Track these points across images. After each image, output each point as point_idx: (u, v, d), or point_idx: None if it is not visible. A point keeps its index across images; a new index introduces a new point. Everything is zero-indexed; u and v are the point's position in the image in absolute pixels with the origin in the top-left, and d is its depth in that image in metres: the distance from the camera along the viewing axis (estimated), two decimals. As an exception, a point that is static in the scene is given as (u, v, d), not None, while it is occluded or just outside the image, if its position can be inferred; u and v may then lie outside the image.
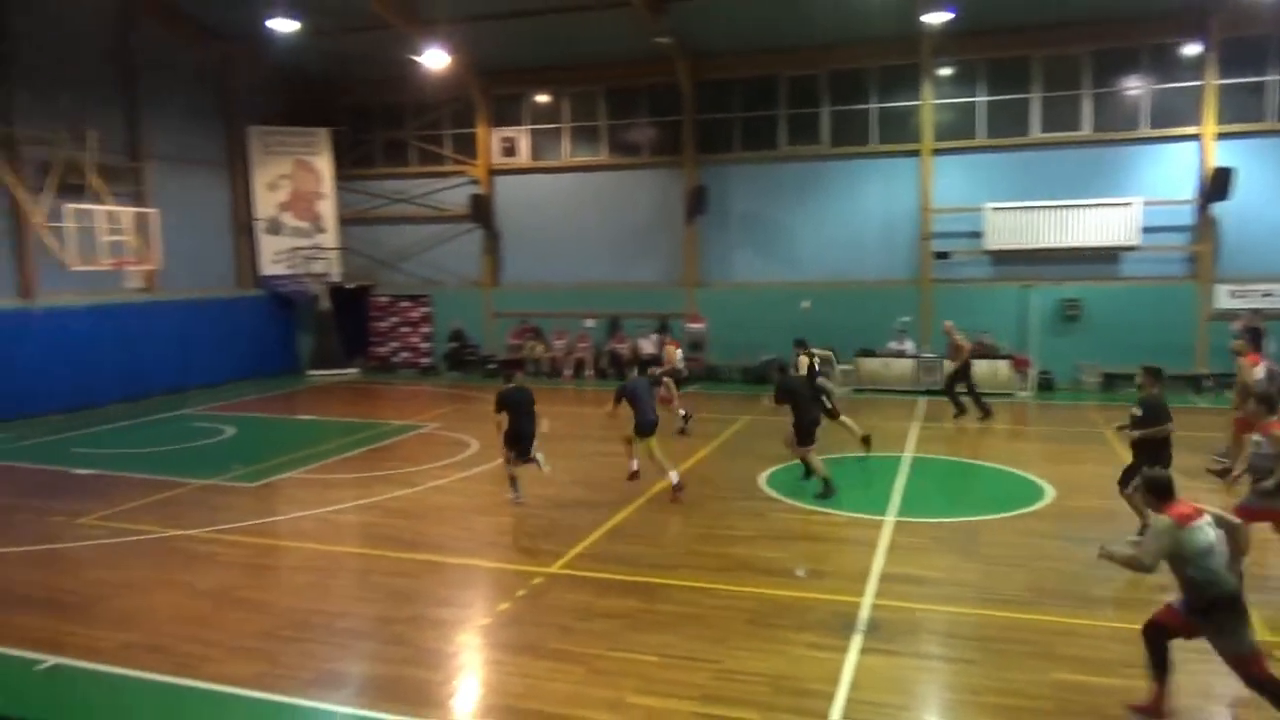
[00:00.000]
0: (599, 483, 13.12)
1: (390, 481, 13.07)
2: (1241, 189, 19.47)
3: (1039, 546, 9.95)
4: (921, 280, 22.19)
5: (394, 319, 26.79)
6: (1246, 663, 5.75)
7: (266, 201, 25.27)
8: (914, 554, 9.71)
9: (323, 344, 25.45)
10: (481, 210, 25.08)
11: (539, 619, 8.04)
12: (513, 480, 11.76)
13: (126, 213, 19.00)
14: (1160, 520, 5.96)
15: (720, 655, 7.25)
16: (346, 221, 26.46)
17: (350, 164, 26.49)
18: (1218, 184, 19.55)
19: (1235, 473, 10.51)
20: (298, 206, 25.67)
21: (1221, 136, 20.04)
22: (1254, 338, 14.13)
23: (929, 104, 21.88)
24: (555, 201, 25.09)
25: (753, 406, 19.34)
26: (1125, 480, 9.91)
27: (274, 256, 25.32)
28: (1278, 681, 5.71)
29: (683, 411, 16.65)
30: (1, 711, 4.44)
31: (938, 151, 21.94)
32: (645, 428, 12.07)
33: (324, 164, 25.78)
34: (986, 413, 17.23)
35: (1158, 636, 6.15)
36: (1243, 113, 20.03)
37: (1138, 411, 9.88)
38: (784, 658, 7.20)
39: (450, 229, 26.03)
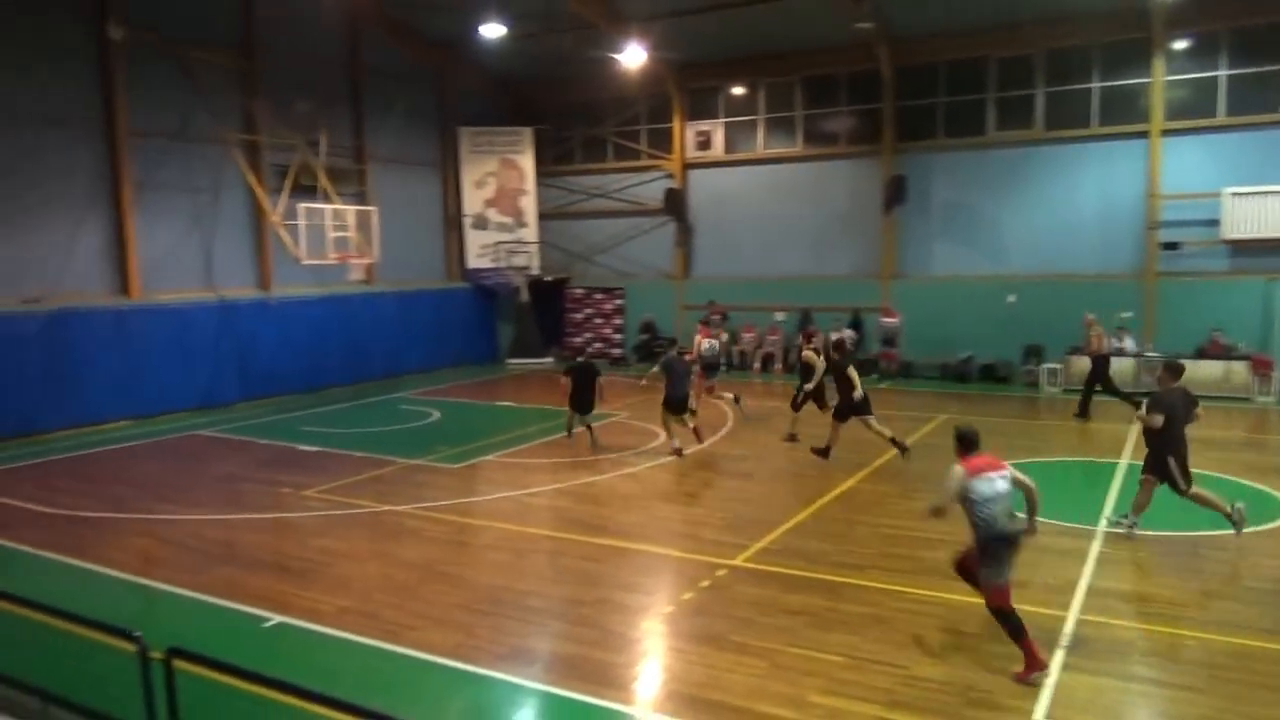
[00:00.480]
0: (786, 477, 12.97)
1: (581, 468, 13.47)
2: None
3: (1275, 569, 8.94)
4: (1145, 273, 20.42)
5: (588, 310, 27.58)
6: (996, 592, 6.79)
7: (474, 198, 26.66)
8: (1127, 568, 8.98)
9: (521, 334, 26.59)
10: (675, 203, 25.35)
11: (722, 610, 8.04)
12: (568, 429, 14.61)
13: (350, 211, 20.59)
14: (955, 469, 6.90)
15: (907, 661, 6.98)
16: (546, 216, 27.50)
17: (551, 161, 27.50)
18: None
19: None
20: (502, 203, 26.91)
21: None
22: None
23: (1160, 81, 20.05)
24: (748, 194, 24.99)
25: (949, 405, 18.54)
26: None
27: (479, 250, 26.70)
28: (1015, 616, 6.73)
29: (731, 396, 17.42)
30: (231, 661, 4.90)
31: (1168, 132, 20.09)
32: (674, 403, 13.68)
33: (527, 161, 26.88)
34: (1083, 414, 16.76)
35: (966, 575, 7.34)
36: None
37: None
38: (976, 668, 6.84)
39: (644, 222, 26.48)
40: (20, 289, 16.47)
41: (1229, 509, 9.59)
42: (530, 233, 26.97)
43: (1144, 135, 20.29)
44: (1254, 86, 19.36)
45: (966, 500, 6.80)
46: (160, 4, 18.39)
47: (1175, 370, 10.04)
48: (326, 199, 20.37)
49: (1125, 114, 20.54)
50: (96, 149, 17.68)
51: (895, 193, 22.23)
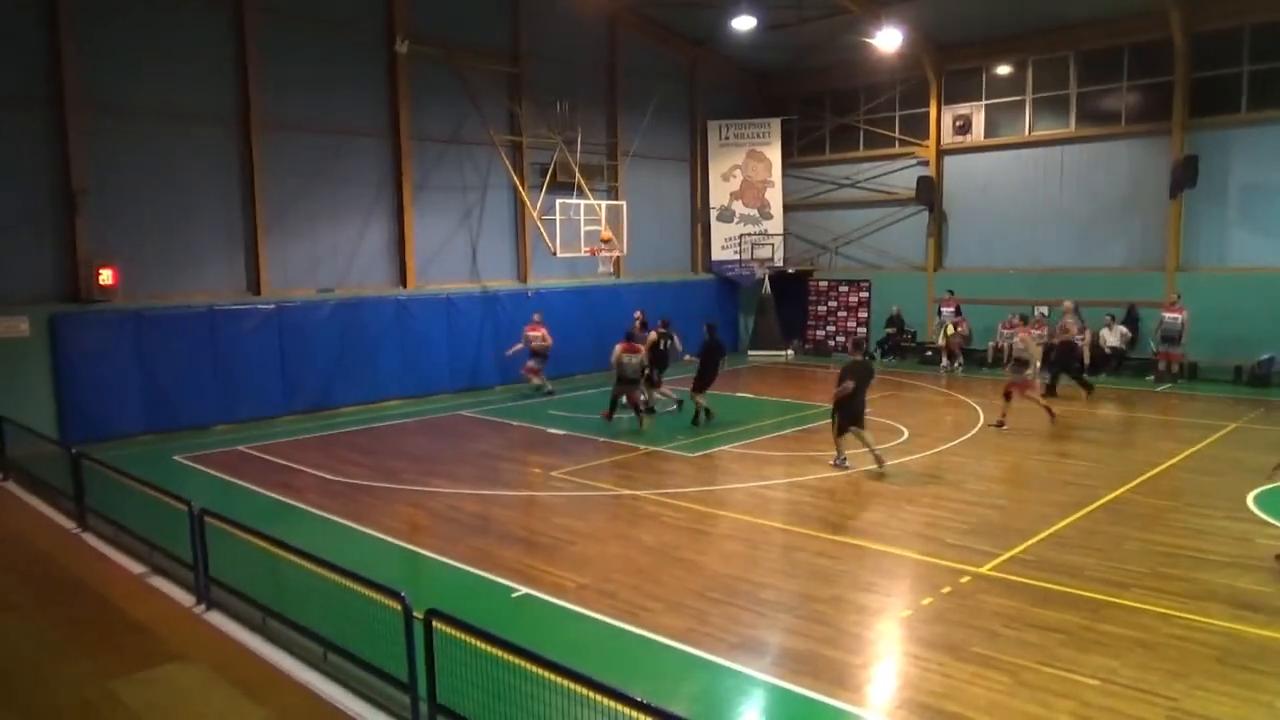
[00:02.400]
0: (1045, 484, 12.09)
1: (818, 462, 13.24)
2: None
3: None
4: None
5: (832, 303, 27.04)
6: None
7: (720, 191, 26.90)
8: None
9: (762, 326, 26.53)
10: (928, 192, 24.26)
11: (964, 619, 7.63)
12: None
13: (602, 206, 21.43)
14: None
15: (1178, 693, 6.29)
16: (791, 208, 27.24)
17: (798, 151, 27.20)
18: None
19: None
20: (747, 195, 26.96)
21: None
22: None
23: None
24: (1010, 180, 23.42)
25: (1243, 411, 16.50)
26: None
27: (724, 243, 26.92)
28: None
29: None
30: (483, 627, 5.27)
31: None
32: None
33: (773, 153, 26.75)
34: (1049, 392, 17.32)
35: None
36: None
37: None
38: (1263, 709, 6.05)
39: (894, 212, 25.56)
40: (316, 280, 18.58)
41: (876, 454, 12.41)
42: (775, 224, 26.84)
43: None
44: None
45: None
46: (440, 17, 20.00)
47: (859, 344, 13.54)
48: (581, 194, 21.32)
49: None
50: (383, 154, 19.55)
51: (1185, 175, 19.99)
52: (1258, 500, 10.92)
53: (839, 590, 8.40)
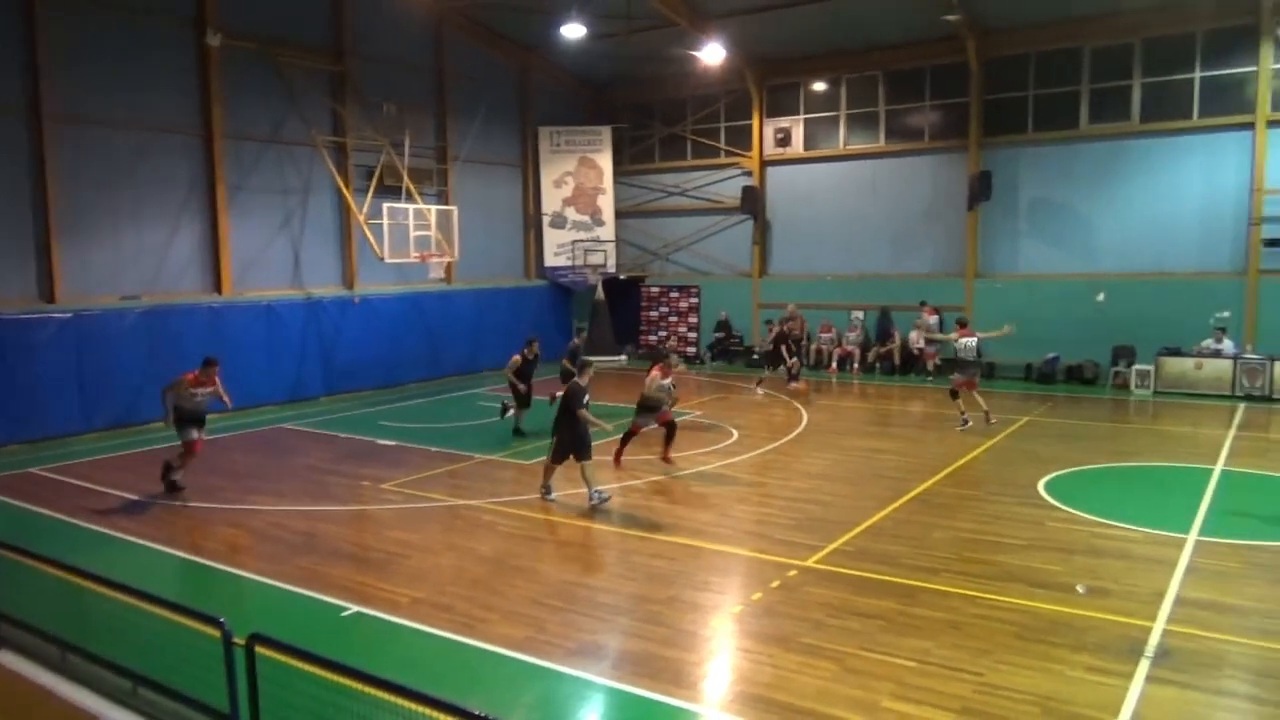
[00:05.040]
0: (863, 479, 12.78)
1: (653, 466, 13.48)
2: None
3: (1388, 584, 8.45)
4: (1248, 271, 19.47)
5: (664, 308, 27.61)
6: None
7: (552, 197, 26.93)
8: (1221, 579, 8.59)
9: (597, 332, 26.71)
10: (752, 201, 25.19)
11: (792, 611, 7.96)
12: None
13: (432, 210, 21.00)
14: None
15: (983, 668, 6.81)
16: (623, 215, 27.62)
17: (629, 159, 27.62)
18: None
19: None
20: (580, 201, 27.13)
21: None
22: None
23: (1267, 69, 19.08)
24: (827, 191, 24.69)
25: (1033, 406, 18.03)
26: None
27: (556, 249, 26.96)
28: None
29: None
30: (310, 649, 5.06)
31: (1276, 123, 19.13)
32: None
33: (605, 160, 27.05)
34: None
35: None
36: None
37: None
38: (1057, 678, 6.63)
39: (721, 220, 26.39)
40: (119, 287, 17.26)
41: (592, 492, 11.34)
42: (607, 231, 27.13)
43: (1249, 127, 19.34)
44: (1369, 73, 18.32)
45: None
46: (255, 10, 19.03)
47: (573, 354, 12.52)
48: (410, 199, 20.82)
49: (1229, 104, 19.61)
50: (195, 153, 18.40)
51: (980, 188, 21.67)
52: (1047, 487, 11.94)
53: (674, 590, 8.59)
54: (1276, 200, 19.05)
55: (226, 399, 12.66)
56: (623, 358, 26.37)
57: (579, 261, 26.71)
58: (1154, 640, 7.21)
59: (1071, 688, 6.47)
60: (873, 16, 21.57)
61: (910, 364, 22.55)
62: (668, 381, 13.81)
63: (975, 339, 16.43)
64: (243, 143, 19.12)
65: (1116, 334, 20.40)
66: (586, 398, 11.60)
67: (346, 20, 20.95)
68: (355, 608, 8.23)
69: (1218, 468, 12.86)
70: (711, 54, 21.52)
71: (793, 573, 8.91)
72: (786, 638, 7.40)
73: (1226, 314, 19.27)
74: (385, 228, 19.67)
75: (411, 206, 20.46)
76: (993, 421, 15.91)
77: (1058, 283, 21.40)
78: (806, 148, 25.00)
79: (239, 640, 5.30)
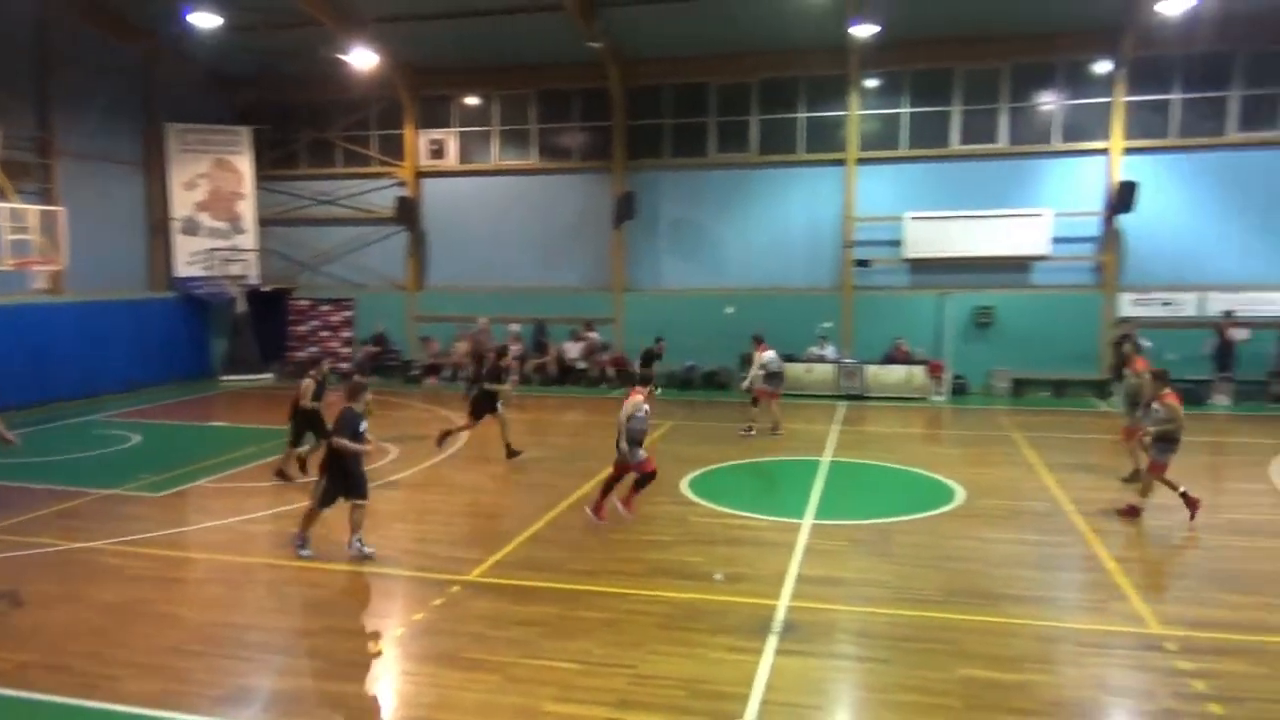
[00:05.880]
0: (523, 488, 13.07)
1: (305, 489, 12.76)
2: (1144, 202, 20.30)
3: (950, 546, 10.23)
4: (844, 287, 22.61)
5: (314, 322, 26.26)
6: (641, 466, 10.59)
7: (183, 201, 24.53)
8: (830, 556, 9.89)
9: (237, 348, 24.80)
10: (407, 212, 24.79)
11: (455, 628, 7.96)
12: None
13: (32, 211, 18.24)
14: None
15: (636, 660, 7.28)
16: (267, 222, 25.85)
17: (272, 164, 25.92)
18: (1123, 197, 20.35)
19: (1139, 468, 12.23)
20: (216, 207, 24.98)
21: (1128, 151, 20.88)
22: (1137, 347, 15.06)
23: (855, 114, 22.31)
24: (482, 204, 24.94)
25: (675, 411, 19.48)
26: None
27: (189, 258, 24.59)
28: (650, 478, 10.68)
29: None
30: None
31: (862, 161, 22.40)
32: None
33: (244, 163, 25.15)
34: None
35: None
36: (1148, 129, 20.89)
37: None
38: (700, 661, 7.26)
39: (375, 231, 25.65)
40: None
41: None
42: (249, 239, 25.25)
43: (842, 163, 22.48)
44: (930, 124, 22.05)
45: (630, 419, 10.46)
46: None
47: (355, 390, 9.95)
48: (3, 197, 17.95)
49: (827, 143, 22.67)
50: None
51: (625, 208, 23.09)
52: (690, 485, 13.00)
53: (332, 620, 8.23)
54: (864, 227, 22.32)
55: None
56: (269, 375, 24.68)
57: (217, 272, 24.55)
58: (779, 616, 8.14)
59: (713, 668, 7.12)
60: (523, 37, 22.20)
61: (568, 375, 23.39)
62: (647, 408, 11.18)
63: (773, 351, 17.27)
64: None
65: (743, 343, 22.60)
66: (363, 425, 9.73)
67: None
68: (-62, 682, 6.95)
69: (825, 459, 14.77)
70: (360, 59, 20.92)
71: (455, 588, 8.91)
72: (449, 655, 7.39)
73: (829, 324, 22.22)
74: (-30, 230, 16.77)
75: (6, 206, 17.64)
76: (779, 433, 16.67)
77: (694, 296, 23.38)
78: (462, 161, 25.09)
79: None
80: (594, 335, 23.66)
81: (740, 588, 8.96)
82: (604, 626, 7.96)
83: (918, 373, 21.09)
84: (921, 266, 22.08)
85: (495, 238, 24.80)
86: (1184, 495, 10.96)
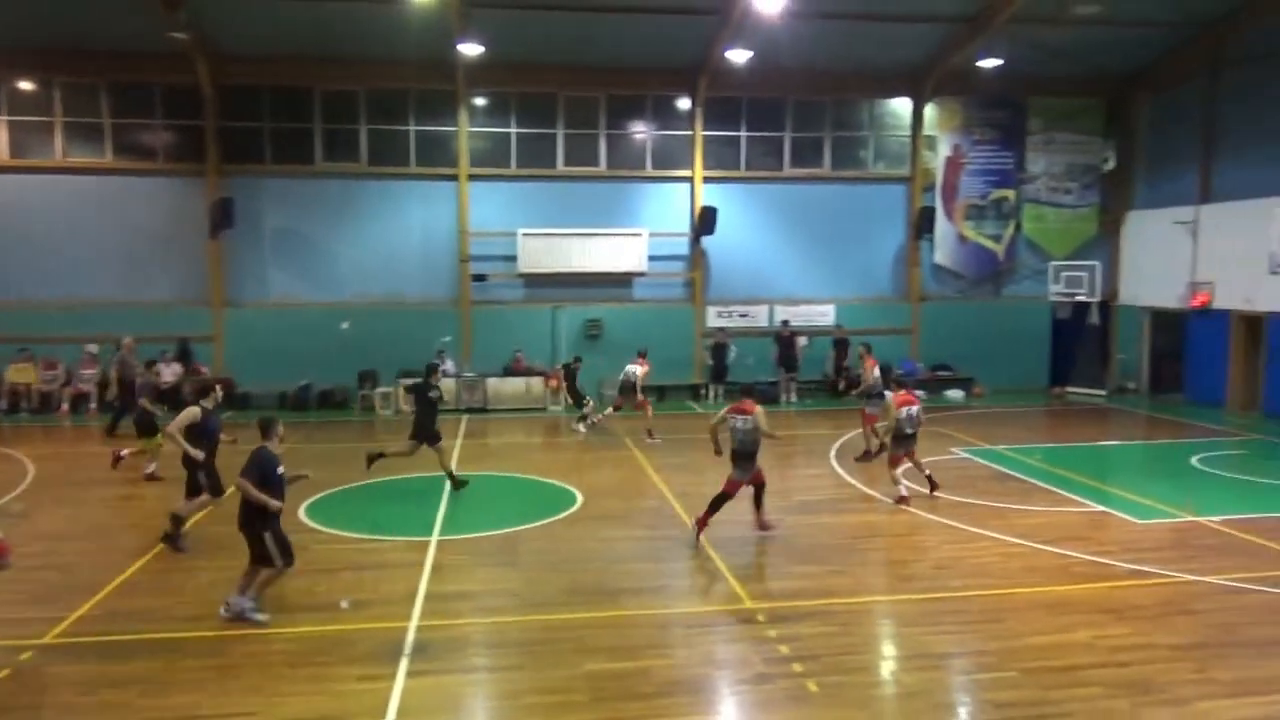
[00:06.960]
0: (110, 530, 11.56)
1: None
2: (723, 226, 22.93)
3: (572, 549, 10.79)
4: (462, 301, 22.81)
5: None
6: (732, 484, 10.79)
7: None
8: (458, 571, 9.98)
9: None
10: (-60, 213, 20.71)
11: (33, 699, 6.88)
12: None
13: None
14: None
15: (257, 706, 6.80)
16: None
17: None
18: (705, 221, 22.82)
19: (873, 450, 15.41)
20: None
21: (707, 180, 23.42)
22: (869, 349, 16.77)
23: (465, 131, 22.60)
24: (46, 206, 21.50)
25: (289, 434, 18.32)
26: None
27: None
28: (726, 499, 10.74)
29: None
30: None
31: (474, 177, 22.75)
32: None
33: None
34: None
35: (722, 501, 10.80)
36: (722, 161, 23.61)
37: None
38: (330, 695, 6.97)
39: (-108, 235, 21.12)
40: None
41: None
42: None
43: (454, 178, 22.68)
44: (538, 145, 23.01)
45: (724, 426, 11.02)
46: None
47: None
48: None
49: (439, 157, 22.71)
50: None
51: (222, 215, 21.26)
52: (308, 511, 12.34)
53: None
54: (479, 242, 22.71)
55: None
56: None
57: None
58: (409, 638, 8.05)
59: (344, 701, 6.87)
60: (88, 18, 19.56)
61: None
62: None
63: (634, 366, 18.28)
64: None
65: (361, 359, 21.99)
66: (280, 469, 8.54)
67: None
68: None
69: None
70: None
71: (27, 655, 7.67)
72: (25, 733, 6.37)
73: (448, 338, 22.27)
74: None
75: None
76: (655, 440, 17.48)
77: (307, 311, 22.18)
78: (14, 155, 21.51)
79: None
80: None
81: (369, 613, 8.71)
82: (217, 674, 7.32)
83: (536, 384, 21.90)
84: (536, 281, 22.95)
85: (62, 245, 21.49)
86: (929, 478, 13.12)
